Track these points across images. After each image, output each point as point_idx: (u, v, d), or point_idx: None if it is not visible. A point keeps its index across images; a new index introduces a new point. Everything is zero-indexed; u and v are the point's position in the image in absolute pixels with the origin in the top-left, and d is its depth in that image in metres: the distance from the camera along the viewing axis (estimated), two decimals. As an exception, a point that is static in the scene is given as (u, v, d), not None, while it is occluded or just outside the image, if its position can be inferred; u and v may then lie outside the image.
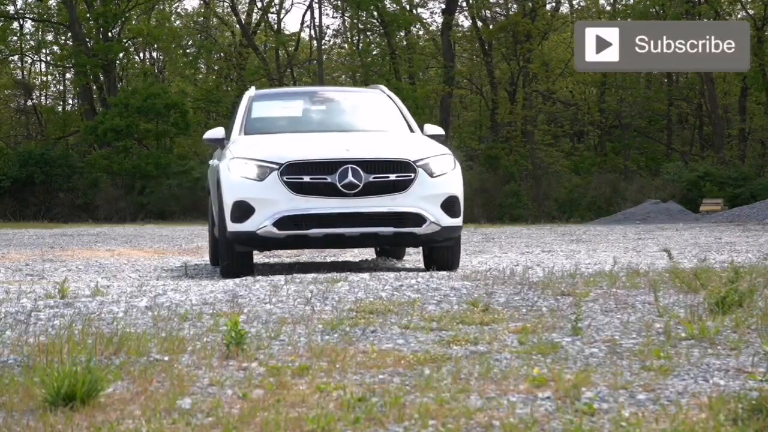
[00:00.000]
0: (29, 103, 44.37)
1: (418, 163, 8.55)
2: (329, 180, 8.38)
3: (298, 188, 8.40)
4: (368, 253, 12.11)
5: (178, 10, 47.11)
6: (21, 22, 42.09)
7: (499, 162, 33.36)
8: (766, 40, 34.69)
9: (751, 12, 37.06)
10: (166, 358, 3.85)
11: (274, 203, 8.38)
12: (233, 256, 8.76)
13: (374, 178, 8.41)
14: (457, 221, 8.75)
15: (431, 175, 8.59)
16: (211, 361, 3.82)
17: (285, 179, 8.39)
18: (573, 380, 3.37)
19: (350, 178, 8.33)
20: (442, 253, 9.01)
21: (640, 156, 39.21)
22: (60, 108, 44.98)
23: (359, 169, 8.38)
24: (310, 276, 8.20)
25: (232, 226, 8.49)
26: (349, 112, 10.48)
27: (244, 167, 8.54)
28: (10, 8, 40.28)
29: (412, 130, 9.71)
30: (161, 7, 43.11)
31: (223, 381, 3.47)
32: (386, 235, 8.56)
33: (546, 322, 4.73)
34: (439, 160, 8.77)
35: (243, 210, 8.44)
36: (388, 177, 8.46)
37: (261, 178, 8.47)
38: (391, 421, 2.92)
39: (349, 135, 9.54)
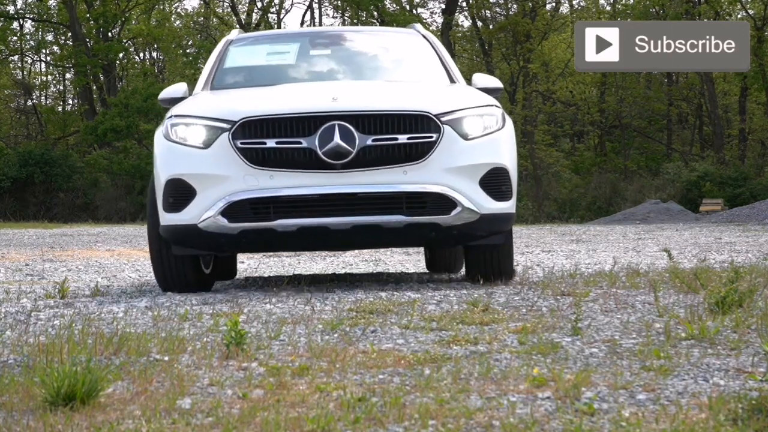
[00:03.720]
0: (29, 103, 44.44)
1: (443, 119, 5.96)
2: (305, 144, 5.80)
3: (259, 158, 5.85)
4: (369, 251, 12.07)
5: (178, 10, 47.17)
6: (21, 22, 42.20)
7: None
8: (766, 40, 34.69)
9: (751, 12, 37.06)
10: (166, 358, 3.85)
11: (222, 181, 5.88)
12: (169, 262, 6.36)
13: (374, 141, 5.84)
14: (506, 206, 6.18)
15: (465, 136, 6.01)
16: (211, 361, 3.82)
17: (239, 145, 5.86)
18: (573, 380, 3.37)
19: (337, 140, 5.77)
20: (484, 254, 6.51)
21: (640, 156, 39.26)
22: (60, 108, 45.06)
23: (351, 128, 5.79)
24: (310, 275, 8.20)
25: (165, 218, 6.07)
26: (364, 58, 7.57)
27: (184, 130, 6.06)
28: (10, 8, 40.34)
29: (453, 81, 7.03)
30: (161, 7, 43.17)
31: (223, 381, 3.47)
32: (394, 227, 5.89)
33: (546, 322, 4.73)
34: (479, 115, 6.15)
35: (179, 192, 5.99)
36: (397, 139, 5.87)
37: (206, 144, 5.95)
38: (391, 421, 2.92)
39: (348, 83, 6.97)
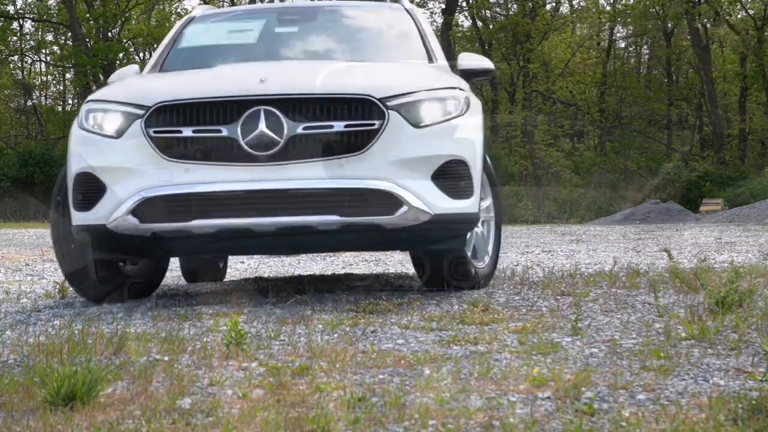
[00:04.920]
0: (29, 103, 44.45)
1: (389, 103, 5.12)
2: (226, 133, 5.03)
3: (174, 149, 5.10)
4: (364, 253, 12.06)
5: (178, 10, 47.18)
6: (21, 22, 42.24)
7: (499, 162, 33.42)
8: (766, 40, 34.70)
9: (751, 12, 37.07)
10: (166, 358, 3.85)
11: (134, 176, 5.12)
12: (73, 266, 5.79)
13: (306, 129, 5.03)
14: (465, 205, 5.29)
15: (416, 123, 5.16)
16: (211, 361, 3.82)
17: (152, 133, 5.12)
18: (573, 380, 3.37)
19: (262, 128, 4.98)
20: (438, 262, 5.80)
21: (640, 156, 39.29)
22: (60, 108, 45.08)
23: (279, 114, 5.01)
24: (310, 275, 8.20)
25: (75, 217, 5.39)
26: (332, 36, 6.77)
27: (101, 117, 5.32)
28: (10, 8, 40.37)
29: (432, 61, 6.28)
30: (161, 7, 43.20)
31: (223, 381, 3.47)
32: (327, 229, 5.08)
33: (546, 322, 4.73)
34: (436, 99, 5.30)
35: (87, 188, 5.30)
36: (332, 127, 5.04)
37: (119, 133, 5.21)
38: (391, 421, 2.92)
39: (283, 63, 6.23)
